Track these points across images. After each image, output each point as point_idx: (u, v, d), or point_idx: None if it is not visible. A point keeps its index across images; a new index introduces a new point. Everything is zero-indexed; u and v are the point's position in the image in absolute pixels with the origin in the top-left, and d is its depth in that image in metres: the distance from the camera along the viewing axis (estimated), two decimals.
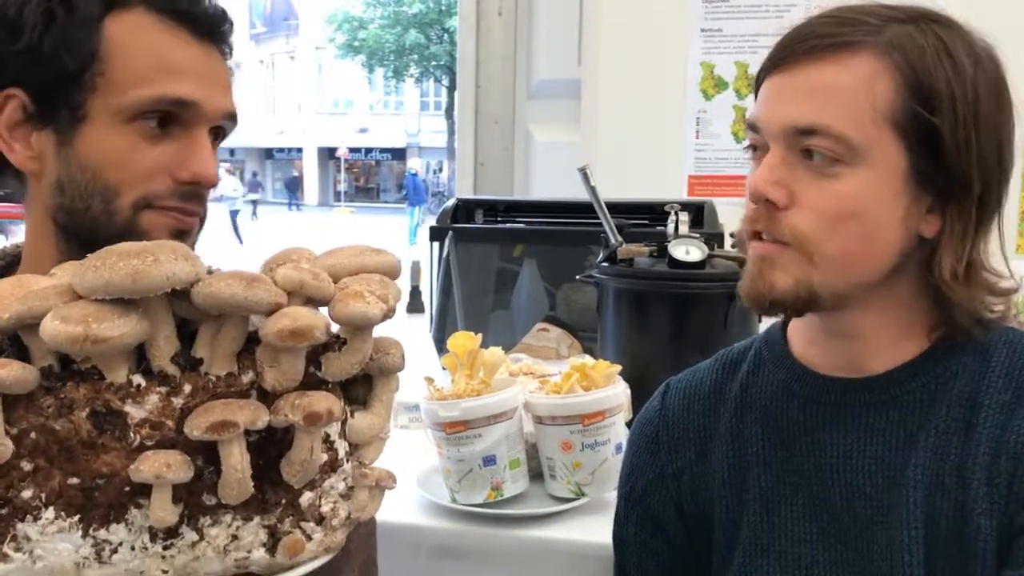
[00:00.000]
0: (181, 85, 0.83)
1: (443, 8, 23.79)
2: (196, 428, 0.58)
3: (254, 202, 22.44)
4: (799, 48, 0.85)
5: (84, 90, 0.83)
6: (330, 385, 0.65)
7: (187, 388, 0.60)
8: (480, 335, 1.25)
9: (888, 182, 0.83)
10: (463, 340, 1.24)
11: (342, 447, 0.67)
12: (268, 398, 0.62)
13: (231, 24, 0.90)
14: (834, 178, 0.83)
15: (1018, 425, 0.84)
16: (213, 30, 0.87)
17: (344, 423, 0.67)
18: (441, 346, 1.53)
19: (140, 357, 0.61)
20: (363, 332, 0.64)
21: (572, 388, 1.22)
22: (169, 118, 0.84)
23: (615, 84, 2.55)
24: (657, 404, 1.05)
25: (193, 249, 0.89)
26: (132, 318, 0.58)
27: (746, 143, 0.91)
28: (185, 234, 0.87)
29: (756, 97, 0.91)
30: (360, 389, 0.69)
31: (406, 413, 1.51)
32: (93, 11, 0.83)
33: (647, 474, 1.03)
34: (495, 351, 1.27)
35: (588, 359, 1.33)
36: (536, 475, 1.27)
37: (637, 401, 1.30)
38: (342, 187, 30.75)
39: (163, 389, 0.60)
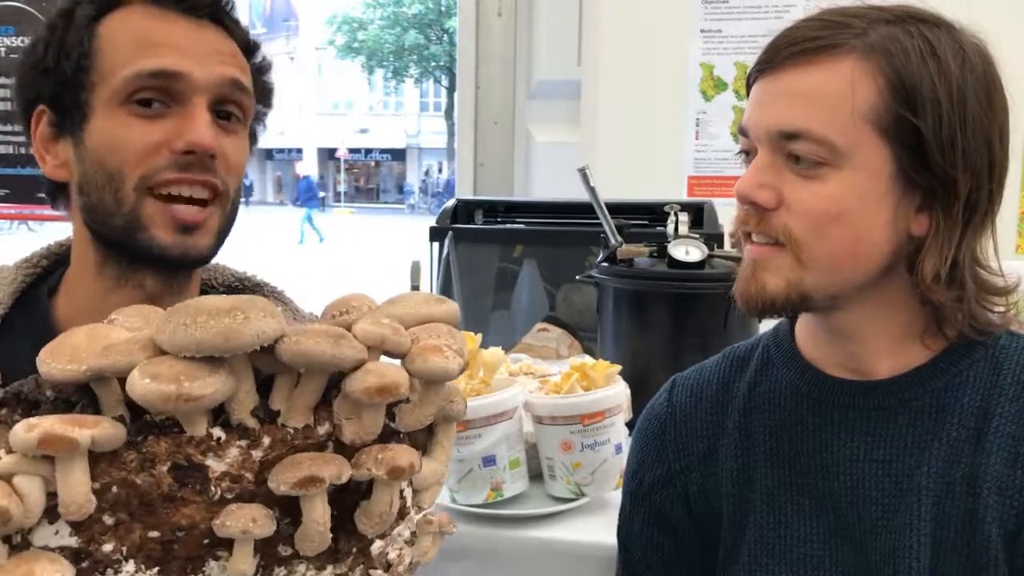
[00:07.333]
0: (161, 58, 0.85)
1: (442, 9, 23.78)
2: (283, 483, 0.58)
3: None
4: (784, 52, 0.86)
5: (84, 90, 0.86)
6: (401, 435, 0.65)
7: (266, 441, 0.60)
8: (480, 335, 1.25)
9: (873, 183, 0.83)
10: None
11: (409, 495, 0.67)
12: (345, 450, 0.62)
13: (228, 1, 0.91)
14: (818, 180, 0.83)
15: None
16: (198, 5, 0.88)
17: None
18: None
19: (216, 409, 0.61)
20: (439, 386, 0.65)
21: (572, 388, 1.22)
22: (166, 95, 0.85)
23: (615, 85, 2.54)
24: (664, 400, 1.04)
25: (223, 232, 0.90)
26: (221, 375, 0.58)
27: (739, 148, 0.92)
28: (190, 228, 0.86)
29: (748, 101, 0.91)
30: (421, 435, 0.69)
31: None
32: (87, 15, 0.87)
33: (654, 471, 1.02)
34: (495, 351, 1.27)
35: (588, 359, 1.33)
36: (536, 475, 1.27)
37: (637, 401, 1.30)
38: (342, 187, 30.74)
39: (243, 442, 0.60)
